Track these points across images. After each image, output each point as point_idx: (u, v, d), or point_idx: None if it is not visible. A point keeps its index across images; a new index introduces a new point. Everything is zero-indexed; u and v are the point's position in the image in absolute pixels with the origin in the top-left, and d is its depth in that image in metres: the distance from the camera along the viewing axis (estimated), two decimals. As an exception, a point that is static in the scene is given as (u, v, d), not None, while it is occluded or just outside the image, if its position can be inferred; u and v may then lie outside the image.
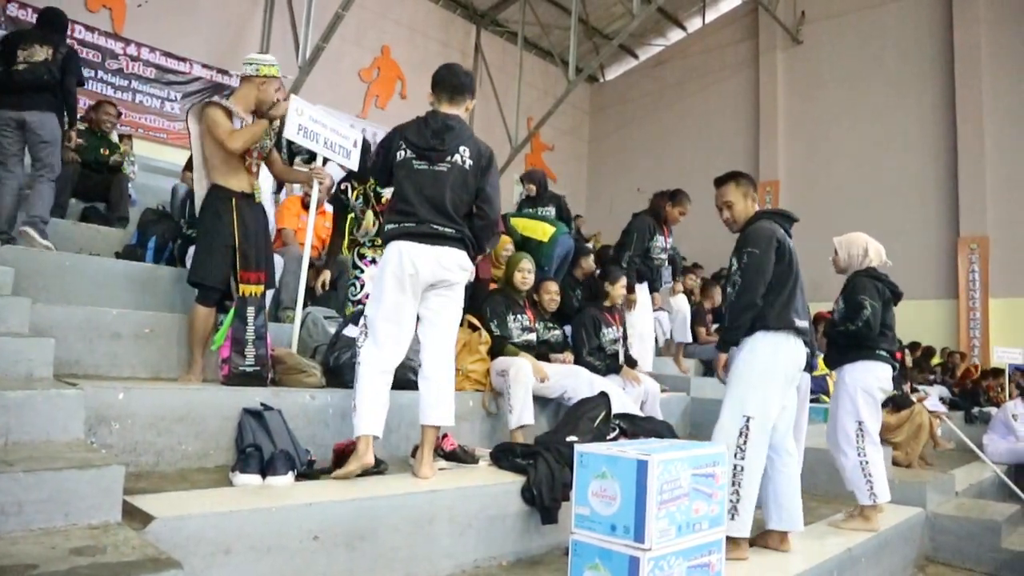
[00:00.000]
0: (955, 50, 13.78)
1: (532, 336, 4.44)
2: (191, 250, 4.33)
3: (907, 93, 14.31)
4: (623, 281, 5.21)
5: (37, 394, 2.24)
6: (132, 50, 11.04)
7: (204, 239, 3.50)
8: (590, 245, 13.13)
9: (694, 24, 17.84)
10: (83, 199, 5.89)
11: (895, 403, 6.75)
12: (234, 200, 3.50)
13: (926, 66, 14.22)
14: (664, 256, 6.26)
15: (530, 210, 6.66)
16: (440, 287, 3.13)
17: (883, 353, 4.19)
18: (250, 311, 3.28)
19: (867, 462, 4.15)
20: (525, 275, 4.56)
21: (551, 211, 6.77)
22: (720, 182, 3.60)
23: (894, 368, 4.28)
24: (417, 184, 3.12)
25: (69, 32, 10.13)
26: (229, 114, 3.50)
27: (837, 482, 4.47)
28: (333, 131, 4.03)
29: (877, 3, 14.84)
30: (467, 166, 3.14)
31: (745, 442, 3.12)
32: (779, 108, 15.94)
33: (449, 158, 3.13)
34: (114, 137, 6.58)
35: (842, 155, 14.91)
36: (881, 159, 14.41)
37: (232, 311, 3.31)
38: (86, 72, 10.38)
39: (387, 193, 4.42)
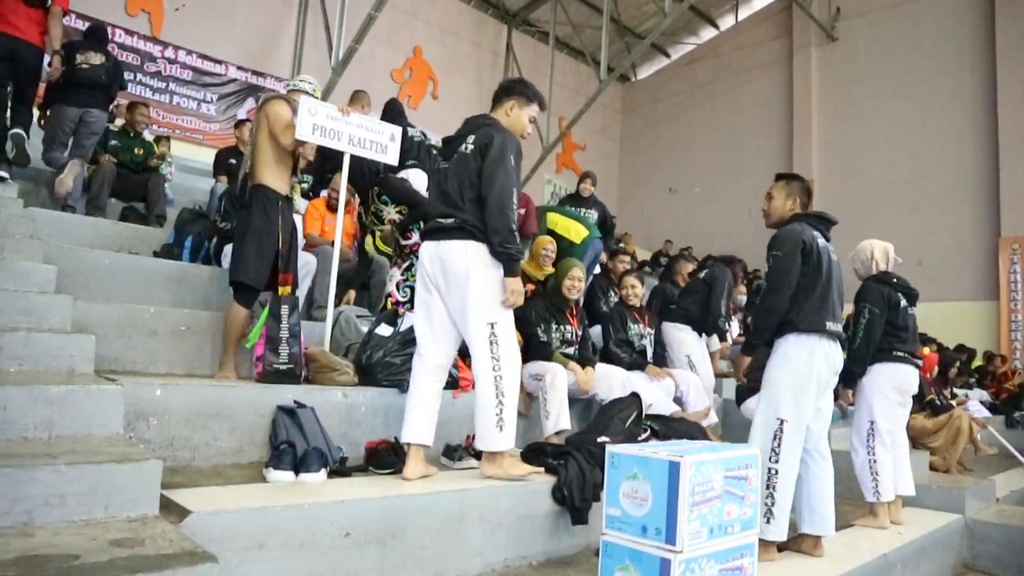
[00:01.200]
0: (996, 44, 13.48)
1: (571, 349, 4.34)
2: (227, 248, 4.42)
3: (946, 90, 14.03)
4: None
5: (79, 389, 2.29)
6: (170, 53, 11.26)
7: (253, 240, 3.52)
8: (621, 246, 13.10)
9: (727, 22, 17.68)
10: (122, 199, 6.00)
11: (932, 408, 6.64)
12: (280, 203, 3.56)
13: (966, 61, 13.93)
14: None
15: (571, 208, 6.64)
16: (452, 284, 3.01)
17: (900, 354, 4.23)
18: (284, 310, 3.32)
19: (875, 460, 4.24)
20: (575, 283, 4.39)
21: (594, 215, 6.75)
22: (776, 177, 3.66)
23: (916, 367, 4.32)
24: (435, 182, 3.18)
25: (110, 36, 10.49)
26: (292, 110, 3.63)
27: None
28: (360, 127, 4.02)
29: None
30: (468, 151, 3.07)
31: (779, 445, 3.11)
32: (813, 106, 15.73)
33: (459, 149, 3.12)
34: (148, 137, 6.71)
35: (878, 154, 14.67)
36: (919, 157, 14.15)
37: (266, 310, 3.35)
38: (126, 75, 10.66)
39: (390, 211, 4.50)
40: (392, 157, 4.21)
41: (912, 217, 13.99)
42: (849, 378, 4.23)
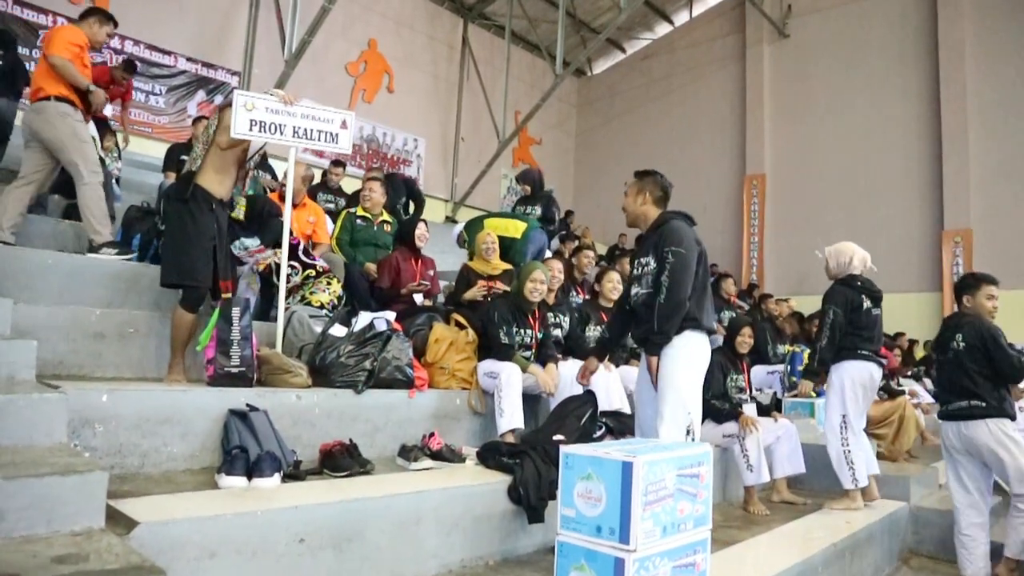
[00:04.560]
0: (939, 44, 13.87)
1: (529, 353, 4.32)
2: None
3: (892, 86, 14.39)
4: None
5: (19, 398, 2.21)
6: (115, 43, 10.90)
7: (196, 241, 3.45)
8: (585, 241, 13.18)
9: (681, 18, 17.86)
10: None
11: (888, 392, 6.83)
12: (215, 206, 3.51)
13: (910, 60, 14.31)
14: None
15: (507, 210, 6.77)
16: None
17: (865, 353, 4.49)
18: (235, 312, 3.26)
19: (849, 451, 4.52)
20: (537, 285, 4.34)
21: (537, 210, 6.80)
22: (635, 175, 3.67)
23: (880, 365, 4.56)
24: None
25: (52, 24, 10.16)
26: None
27: (826, 477, 4.78)
28: (305, 116, 3.87)
29: (863, -2, 14.93)
30: None
31: (693, 440, 3.21)
32: (765, 101, 16.00)
33: None
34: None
35: (828, 148, 15.00)
36: (867, 152, 14.50)
37: (217, 312, 3.29)
38: (68, 65, 10.34)
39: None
40: (344, 145, 4.06)
41: (861, 210, 14.35)
42: (813, 373, 4.65)
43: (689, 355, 3.31)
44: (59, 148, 4.41)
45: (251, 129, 3.61)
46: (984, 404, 4.06)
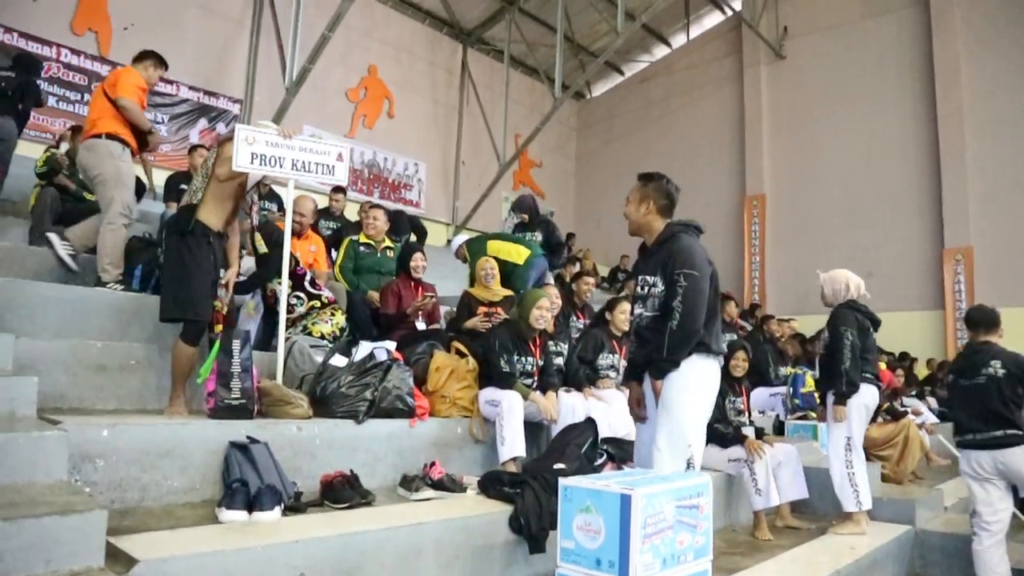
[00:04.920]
0: (934, 64, 13.96)
1: (530, 380, 4.31)
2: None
3: (889, 106, 14.48)
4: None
5: (19, 436, 2.23)
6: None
7: (196, 274, 3.48)
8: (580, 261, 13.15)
9: (678, 40, 18.01)
10: (68, 227, 5.83)
11: (892, 414, 6.81)
12: (212, 239, 3.55)
13: (906, 79, 14.40)
14: None
15: (512, 233, 6.69)
16: None
17: (868, 376, 4.58)
18: (235, 344, 3.28)
19: (853, 473, 4.54)
20: (543, 312, 4.33)
21: (538, 237, 6.79)
22: (637, 178, 3.44)
23: (878, 387, 4.67)
24: None
25: (56, 56, 10.27)
26: None
27: (830, 500, 4.79)
28: (304, 150, 3.92)
29: (858, 18, 15.05)
30: None
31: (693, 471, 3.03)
32: (764, 122, 16.09)
33: None
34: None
35: (827, 168, 15.06)
36: (866, 172, 14.55)
37: (217, 344, 3.30)
38: (72, 95, 10.46)
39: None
40: (340, 176, 4.12)
41: (861, 230, 14.38)
42: (847, 394, 4.52)
43: (696, 381, 3.11)
44: (100, 184, 4.57)
45: (252, 162, 3.65)
46: (1021, 432, 4.14)
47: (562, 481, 2.35)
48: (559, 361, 4.68)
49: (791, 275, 14.92)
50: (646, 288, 3.23)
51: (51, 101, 10.32)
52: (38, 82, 6.44)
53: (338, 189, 7.55)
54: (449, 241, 15.35)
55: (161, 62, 4.92)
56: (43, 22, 10.21)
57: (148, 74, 4.84)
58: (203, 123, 11.99)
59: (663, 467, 2.96)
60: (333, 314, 4.47)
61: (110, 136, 4.52)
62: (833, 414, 4.57)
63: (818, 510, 5.07)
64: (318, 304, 4.46)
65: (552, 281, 6.56)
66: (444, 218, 15.86)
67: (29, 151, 8.46)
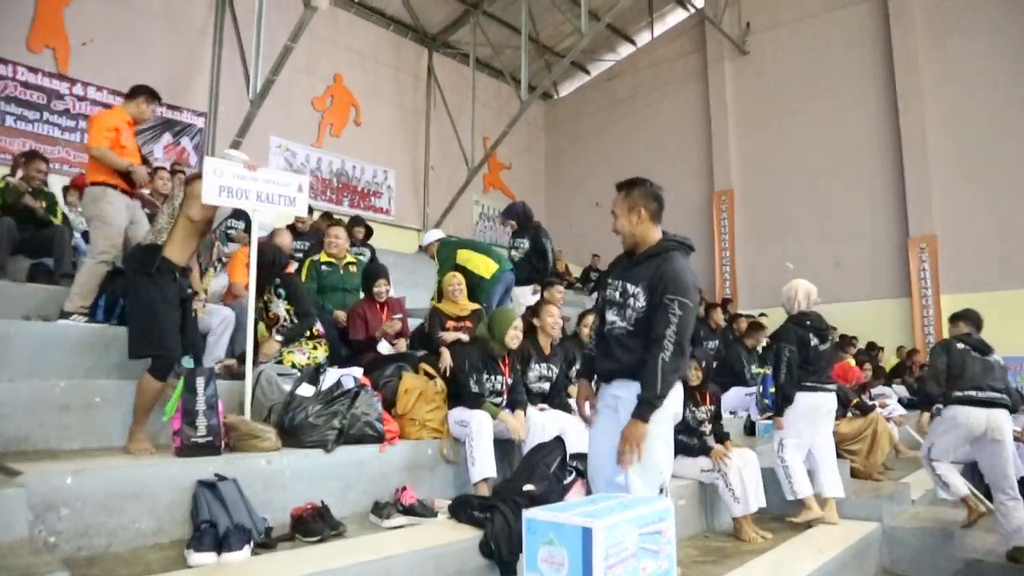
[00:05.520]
0: (894, 56, 14.18)
1: (500, 399, 4.32)
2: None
3: (852, 99, 14.69)
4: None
5: (-24, 497, 2.21)
6: (79, 89, 10.91)
7: (163, 310, 3.49)
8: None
9: (643, 38, 18.11)
10: (28, 255, 5.76)
11: (861, 409, 6.93)
12: (178, 275, 3.55)
13: (868, 72, 14.61)
14: None
15: (480, 242, 6.68)
16: None
17: (808, 384, 4.93)
18: (199, 382, 3.27)
19: (787, 465, 4.94)
20: (518, 334, 4.38)
21: (525, 244, 6.80)
22: (617, 188, 3.19)
23: (827, 391, 5.03)
24: None
25: (12, 75, 10.10)
26: None
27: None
28: (267, 182, 3.95)
29: (819, 11, 15.23)
30: None
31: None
32: (730, 117, 16.25)
33: None
34: (56, 189, 6.47)
35: (793, 161, 15.24)
36: (831, 164, 14.76)
37: (181, 382, 3.29)
38: (30, 114, 10.30)
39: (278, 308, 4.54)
40: (300, 208, 4.17)
41: (828, 221, 14.60)
42: (781, 408, 4.98)
43: (665, 409, 2.95)
44: (90, 227, 4.84)
45: (220, 195, 3.66)
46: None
47: (525, 514, 2.38)
48: (545, 386, 4.79)
49: (762, 269, 15.10)
50: (625, 298, 3.03)
51: (9, 120, 10.18)
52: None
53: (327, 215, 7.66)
54: (424, 249, 15.43)
55: (153, 96, 4.99)
56: (-5, 40, 10.06)
57: (139, 110, 4.93)
58: (167, 138, 11.88)
59: (636, 494, 2.86)
60: (316, 347, 4.51)
61: (93, 183, 4.77)
62: (776, 426, 5.04)
63: (788, 510, 5.15)
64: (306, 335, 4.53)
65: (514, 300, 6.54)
66: (415, 224, 15.84)
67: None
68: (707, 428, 4.89)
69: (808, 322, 4.99)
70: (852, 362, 9.26)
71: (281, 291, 4.56)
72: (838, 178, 14.66)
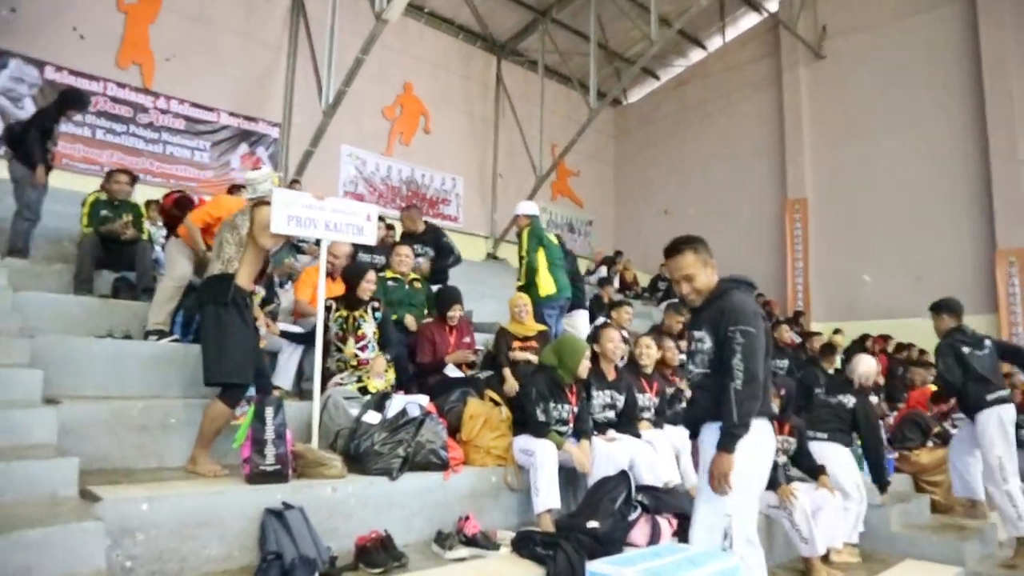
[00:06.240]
0: (982, 57, 13.48)
1: (566, 428, 4.25)
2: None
3: (935, 104, 14.03)
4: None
5: (57, 531, 2.29)
6: (162, 103, 11.32)
7: (227, 339, 3.56)
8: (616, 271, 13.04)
9: (715, 43, 17.76)
10: (112, 269, 5.97)
11: (941, 438, 6.62)
12: (249, 301, 3.62)
13: (953, 76, 13.94)
14: None
15: (556, 249, 6.58)
16: None
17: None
18: (268, 411, 3.33)
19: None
20: (588, 364, 4.34)
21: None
22: (673, 251, 3.17)
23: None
24: None
25: (102, 90, 10.58)
26: None
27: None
28: (335, 211, 4.01)
29: (900, 15, 14.61)
30: None
31: (730, 545, 2.80)
32: (804, 124, 15.75)
33: None
34: (140, 199, 6.69)
35: (871, 170, 14.67)
36: (912, 172, 14.14)
37: (251, 411, 3.35)
38: (118, 127, 10.77)
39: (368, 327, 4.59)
40: (369, 237, 4.21)
41: (908, 232, 13.99)
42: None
43: (744, 445, 2.86)
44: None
45: (288, 224, 3.73)
46: None
47: (589, 566, 2.34)
48: (611, 415, 4.67)
49: (837, 280, 14.61)
50: (695, 344, 3.12)
51: (99, 134, 10.65)
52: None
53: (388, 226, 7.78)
54: (492, 256, 15.49)
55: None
56: (90, 58, 10.55)
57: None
58: (244, 148, 12.23)
59: (697, 538, 2.85)
60: (387, 370, 4.59)
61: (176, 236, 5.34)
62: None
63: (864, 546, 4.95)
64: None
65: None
66: (483, 232, 15.91)
67: (80, 185, 8.75)
68: (781, 459, 4.68)
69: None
70: (932, 387, 8.82)
71: (378, 315, 4.71)
72: (919, 187, 14.03)
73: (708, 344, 3.02)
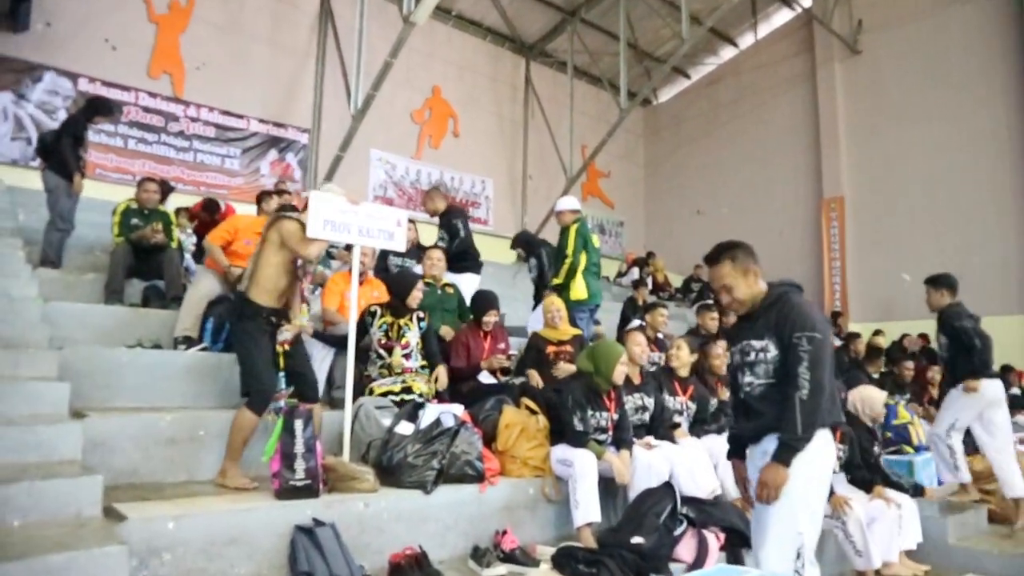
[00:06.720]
0: (1025, 51, 13.07)
1: (604, 436, 4.11)
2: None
3: (975, 99, 13.59)
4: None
5: (81, 555, 2.20)
6: (192, 111, 11.38)
7: (256, 352, 3.58)
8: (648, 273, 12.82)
9: (746, 40, 17.43)
10: (142, 278, 5.93)
11: None
12: (266, 315, 3.62)
13: (994, 70, 13.48)
14: None
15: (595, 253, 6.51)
16: None
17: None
18: (298, 424, 3.22)
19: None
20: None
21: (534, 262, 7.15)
22: (713, 259, 3.03)
23: None
24: None
25: (134, 100, 10.67)
26: (303, 227, 3.64)
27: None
28: (368, 216, 3.93)
29: (938, 8, 14.19)
30: None
31: (802, 566, 2.69)
32: (840, 121, 15.37)
33: None
34: (170, 209, 6.67)
35: (910, 167, 14.25)
36: (952, 169, 13.70)
37: (279, 424, 3.25)
38: (149, 136, 10.84)
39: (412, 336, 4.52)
40: (399, 243, 4.12)
41: (950, 230, 13.55)
42: None
43: (811, 458, 2.72)
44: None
45: (324, 228, 3.64)
46: None
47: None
48: (644, 417, 4.50)
49: (875, 280, 14.22)
50: (753, 354, 2.89)
51: (131, 143, 10.73)
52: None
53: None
54: (523, 259, 15.38)
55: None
56: (122, 69, 10.63)
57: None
58: (273, 154, 12.25)
59: (769, 558, 2.69)
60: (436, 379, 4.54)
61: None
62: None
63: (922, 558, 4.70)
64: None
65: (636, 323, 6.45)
66: (512, 234, 15.75)
67: (113, 194, 8.77)
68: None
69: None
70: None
71: (423, 324, 4.63)
72: (959, 184, 13.57)
73: (773, 352, 2.84)
